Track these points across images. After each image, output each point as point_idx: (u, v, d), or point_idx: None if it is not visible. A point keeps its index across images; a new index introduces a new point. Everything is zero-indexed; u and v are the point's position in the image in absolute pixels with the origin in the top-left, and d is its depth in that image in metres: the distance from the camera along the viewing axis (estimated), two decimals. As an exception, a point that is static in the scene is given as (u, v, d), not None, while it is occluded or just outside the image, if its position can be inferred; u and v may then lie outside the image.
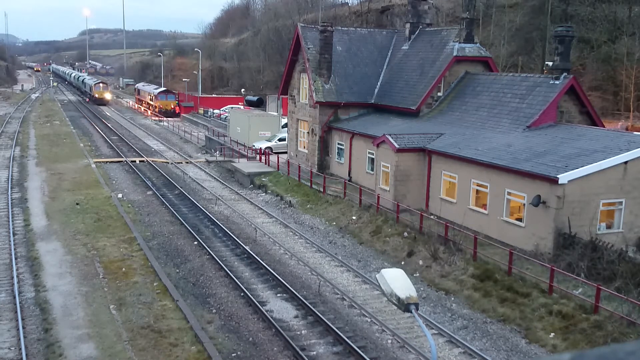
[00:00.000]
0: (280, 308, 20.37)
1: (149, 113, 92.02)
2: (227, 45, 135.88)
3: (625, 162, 22.63)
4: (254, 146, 49.07)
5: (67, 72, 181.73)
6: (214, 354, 16.59)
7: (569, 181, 21.78)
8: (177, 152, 55.04)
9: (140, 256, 25.23)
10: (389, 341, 17.99)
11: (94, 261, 24.55)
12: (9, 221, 29.96)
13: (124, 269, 23.67)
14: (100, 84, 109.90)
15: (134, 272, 23.30)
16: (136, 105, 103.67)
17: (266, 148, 47.61)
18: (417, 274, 22.79)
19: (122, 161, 49.04)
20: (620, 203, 23.10)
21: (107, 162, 48.63)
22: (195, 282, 22.87)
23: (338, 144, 38.61)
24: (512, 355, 17.00)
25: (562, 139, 25.30)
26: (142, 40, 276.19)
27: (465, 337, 18.00)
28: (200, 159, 50.91)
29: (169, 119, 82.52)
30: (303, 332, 18.60)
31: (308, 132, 41.01)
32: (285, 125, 48.88)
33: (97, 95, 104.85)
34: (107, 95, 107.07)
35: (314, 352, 17.27)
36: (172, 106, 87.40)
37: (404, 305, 6.97)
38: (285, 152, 45.36)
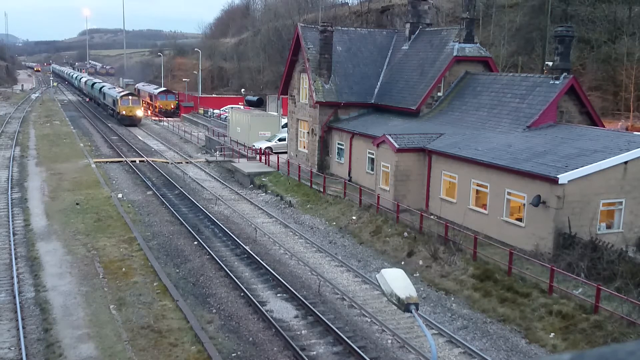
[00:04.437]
0: (280, 308, 20.37)
1: (149, 113, 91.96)
2: (227, 45, 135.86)
3: (625, 162, 22.63)
4: (254, 146, 49.07)
5: (74, 75, 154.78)
6: (214, 354, 16.59)
7: (569, 181, 21.78)
8: (177, 152, 55.03)
9: (140, 256, 25.22)
10: (389, 341, 17.99)
11: (94, 261, 24.54)
12: (9, 221, 29.95)
13: (124, 269, 23.66)
14: (130, 98, 77.10)
15: (134, 272, 23.29)
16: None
17: (266, 148, 47.61)
18: (417, 274, 22.79)
19: (122, 161, 49.03)
20: (620, 203, 23.10)
21: (107, 162, 48.62)
22: (195, 282, 22.87)
23: (338, 144, 38.61)
24: (512, 355, 17.00)
25: (562, 139, 25.31)
26: (142, 40, 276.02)
27: (465, 337, 18.00)
28: (200, 159, 50.90)
29: (169, 119, 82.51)
30: (303, 332, 18.60)
31: (308, 132, 41.01)
32: (285, 125, 48.88)
33: (124, 113, 74.86)
34: (139, 112, 76.41)
35: (314, 352, 17.27)
36: (172, 106, 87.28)
37: (404, 305, 6.97)
38: (285, 152, 45.35)
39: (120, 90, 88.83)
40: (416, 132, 31.30)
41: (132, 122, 74.86)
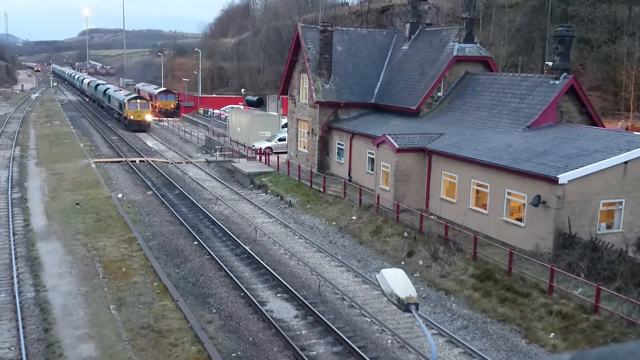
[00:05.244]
0: (280, 308, 20.37)
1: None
2: (227, 45, 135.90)
3: (625, 162, 22.63)
4: (254, 146, 49.07)
5: (75, 76, 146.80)
6: (214, 354, 16.59)
7: (569, 181, 21.78)
8: (177, 152, 55.03)
9: (140, 256, 25.22)
10: (389, 341, 17.99)
11: (94, 261, 24.54)
12: (9, 221, 29.95)
13: (124, 269, 23.66)
14: (138, 101, 70.81)
15: (134, 272, 23.29)
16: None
17: (266, 148, 47.62)
18: (417, 274, 22.78)
19: (122, 161, 49.03)
20: (620, 203, 23.10)
21: (107, 162, 48.62)
22: (195, 282, 22.87)
23: (338, 144, 38.61)
24: (512, 355, 17.00)
25: (562, 139, 25.31)
26: (142, 40, 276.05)
27: (465, 337, 18.00)
28: (200, 159, 50.90)
29: (169, 119, 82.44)
30: (303, 332, 18.60)
31: (308, 132, 41.01)
32: (285, 125, 48.88)
33: (132, 117, 69.13)
34: (147, 117, 70.41)
35: (314, 352, 17.27)
36: (172, 106, 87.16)
37: (404, 305, 6.97)
38: (285, 152, 45.35)
39: (128, 93, 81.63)
40: (416, 132, 31.29)
41: (140, 127, 69.50)
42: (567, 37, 28.20)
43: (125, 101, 70.65)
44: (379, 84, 39.60)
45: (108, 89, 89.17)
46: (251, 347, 17.65)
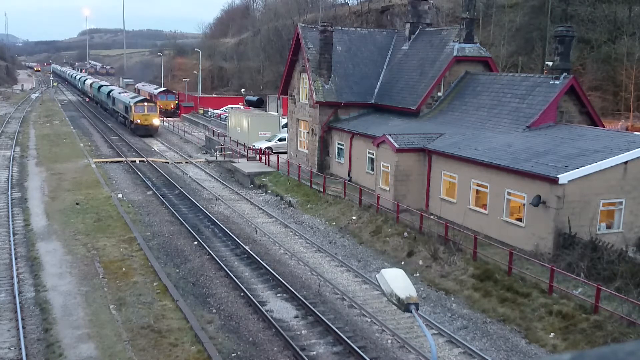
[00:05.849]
0: (280, 308, 20.37)
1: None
2: (227, 45, 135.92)
3: (625, 162, 22.63)
4: (254, 146, 49.08)
5: (77, 77, 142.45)
6: (214, 354, 16.59)
7: (569, 181, 21.78)
8: (177, 152, 55.03)
9: (140, 256, 25.21)
10: (389, 341, 17.99)
11: (94, 261, 24.54)
12: (9, 221, 29.95)
13: (124, 269, 23.66)
14: (145, 104, 66.11)
15: (134, 272, 23.29)
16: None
17: (266, 148, 47.62)
18: (417, 274, 22.78)
19: (122, 161, 49.04)
20: (620, 203, 23.10)
21: (107, 162, 48.62)
22: (195, 282, 22.87)
23: (338, 144, 38.61)
24: (512, 355, 17.00)
25: (562, 139, 25.31)
26: (142, 40, 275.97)
27: (465, 337, 18.00)
28: (200, 159, 50.91)
29: (169, 119, 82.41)
30: (303, 332, 18.60)
31: (308, 132, 41.01)
32: (285, 125, 48.89)
33: (139, 122, 64.75)
34: (155, 121, 65.92)
35: (314, 352, 17.27)
36: (172, 106, 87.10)
37: (404, 305, 6.97)
38: (285, 152, 45.36)
39: (134, 95, 76.77)
40: (416, 132, 31.29)
41: (147, 132, 64.99)
42: (567, 37, 28.20)
43: (132, 104, 66.06)
44: (379, 84, 39.60)
45: (112, 90, 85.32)
46: (251, 347, 17.65)
